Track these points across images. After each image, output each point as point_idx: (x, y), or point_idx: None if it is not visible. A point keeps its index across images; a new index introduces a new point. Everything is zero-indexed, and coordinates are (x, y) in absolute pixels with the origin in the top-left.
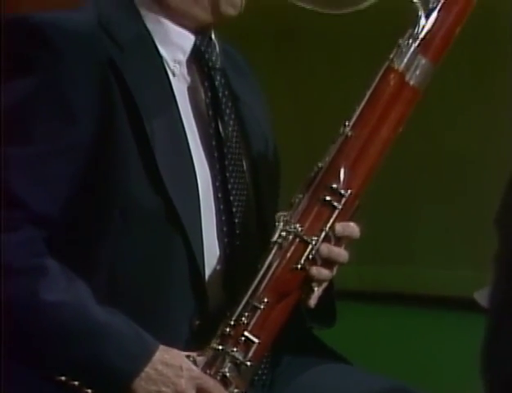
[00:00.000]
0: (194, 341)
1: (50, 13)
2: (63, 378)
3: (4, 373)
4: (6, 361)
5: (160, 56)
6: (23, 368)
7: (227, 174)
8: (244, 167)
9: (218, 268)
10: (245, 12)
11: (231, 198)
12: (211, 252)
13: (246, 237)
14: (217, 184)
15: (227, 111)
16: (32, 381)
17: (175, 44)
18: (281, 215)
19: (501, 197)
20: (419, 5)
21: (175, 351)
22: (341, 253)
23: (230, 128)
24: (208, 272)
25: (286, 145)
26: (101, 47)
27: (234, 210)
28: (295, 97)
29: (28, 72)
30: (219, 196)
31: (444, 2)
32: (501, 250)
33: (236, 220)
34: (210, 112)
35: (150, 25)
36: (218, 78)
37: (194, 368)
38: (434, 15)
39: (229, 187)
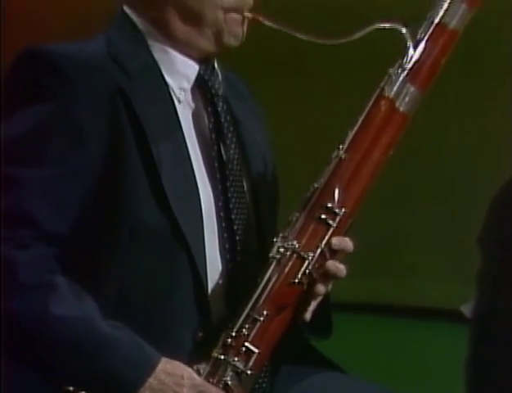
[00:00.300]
0: (197, 352)
1: (63, 45)
2: (71, 388)
3: (10, 380)
4: (13, 369)
5: (166, 84)
6: (28, 375)
7: (229, 195)
8: (245, 187)
9: (221, 282)
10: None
11: (233, 217)
12: (214, 267)
13: (247, 253)
14: (220, 204)
15: (229, 135)
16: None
17: (180, 73)
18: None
19: (484, 217)
20: (407, 36)
21: (176, 362)
22: (337, 267)
23: (231, 151)
24: (210, 286)
25: (287, 166)
26: (110, 76)
27: (235, 227)
28: (298, 121)
29: (42, 99)
30: (221, 215)
31: (431, 34)
32: (484, 267)
33: (237, 237)
34: (213, 136)
35: (156, 55)
36: (221, 104)
37: (195, 376)
38: (422, 46)
39: (230, 206)
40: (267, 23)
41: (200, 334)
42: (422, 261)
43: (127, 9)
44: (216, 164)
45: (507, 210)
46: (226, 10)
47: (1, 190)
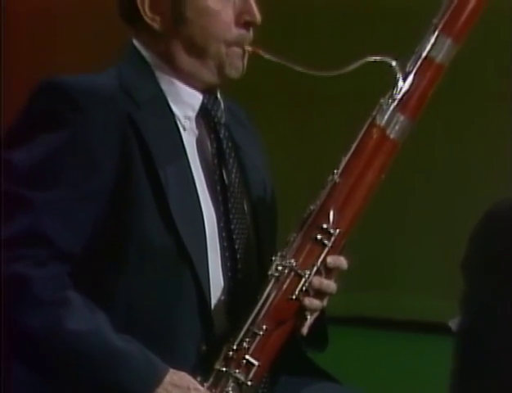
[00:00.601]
0: (201, 364)
1: (77, 77)
2: None
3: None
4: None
5: (172, 113)
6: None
7: (230, 216)
8: (246, 209)
9: (223, 298)
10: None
11: (234, 237)
12: (216, 284)
13: (247, 271)
14: (222, 225)
15: (230, 161)
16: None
17: (185, 103)
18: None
19: (467, 244)
20: (397, 69)
21: (182, 373)
22: (330, 285)
23: (233, 176)
24: (213, 302)
25: (286, 188)
26: (120, 106)
27: (236, 247)
28: (296, 148)
29: (58, 128)
30: (223, 235)
31: (419, 67)
32: (467, 291)
33: (238, 256)
34: (215, 161)
35: (163, 86)
36: (223, 131)
37: (200, 387)
38: (410, 78)
39: (232, 227)
40: (266, 56)
41: (204, 347)
42: (411, 277)
43: (136, 43)
44: (218, 188)
45: (489, 237)
46: (228, 44)
47: (18, 211)
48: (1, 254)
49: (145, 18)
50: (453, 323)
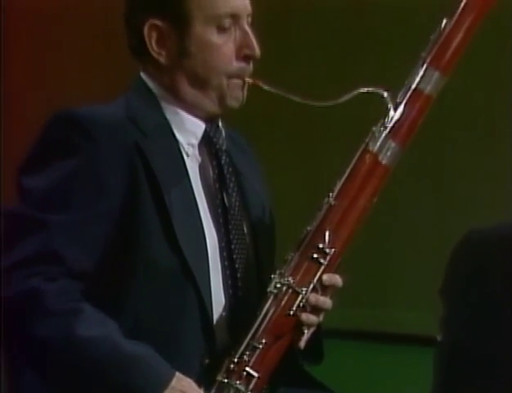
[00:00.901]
0: (204, 376)
1: (88, 108)
2: None
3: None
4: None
5: (177, 141)
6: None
7: (231, 237)
8: (245, 230)
9: (224, 314)
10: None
11: (234, 256)
12: (218, 301)
13: (247, 289)
14: (223, 245)
15: (231, 185)
16: None
17: (189, 131)
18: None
19: (445, 270)
20: (388, 99)
21: (188, 379)
22: (326, 301)
23: (233, 199)
24: (215, 317)
25: (284, 210)
26: (128, 135)
27: (236, 266)
28: (295, 172)
29: (70, 155)
30: (224, 254)
31: (409, 98)
32: (445, 315)
33: (238, 275)
34: (217, 186)
35: (168, 115)
36: (224, 158)
37: None
38: (401, 108)
39: (232, 247)
40: (265, 88)
41: (207, 360)
42: (402, 294)
43: (143, 75)
44: (219, 210)
45: (463, 264)
46: (229, 76)
47: (33, 232)
48: (13, 270)
49: (152, 52)
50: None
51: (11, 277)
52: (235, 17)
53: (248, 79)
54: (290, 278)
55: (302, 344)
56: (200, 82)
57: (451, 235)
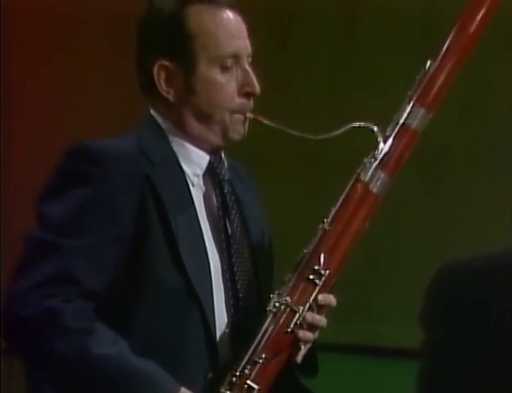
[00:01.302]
0: (208, 389)
1: (102, 141)
2: None
3: None
4: None
5: (183, 171)
6: None
7: (233, 260)
8: (246, 254)
9: (226, 331)
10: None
11: (236, 278)
12: (221, 319)
13: (248, 308)
14: (225, 268)
15: (233, 212)
16: None
17: (194, 162)
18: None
19: (424, 298)
20: (378, 133)
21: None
22: (321, 320)
23: (235, 225)
24: (218, 334)
25: (283, 235)
26: (139, 166)
27: (238, 287)
28: (293, 201)
29: (85, 185)
30: (227, 276)
31: (396, 133)
32: (425, 340)
33: (240, 295)
34: (220, 213)
35: (175, 148)
36: (226, 187)
37: None
38: (390, 141)
39: (234, 269)
40: (265, 122)
41: (210, 374)
42: (389, 311)
43: (153, 112)
44: (222, 236)
45: (441, 293)
46: (232, 111)
47: (51, 256)
48: (32, 291)
49: (161, 91)
50: None
51: (30, 298)
52: (236, 57)
53: (249, 114)
54: (288, 298)
55: (299, 359)
56: (205, 117)
57: (432, 260)
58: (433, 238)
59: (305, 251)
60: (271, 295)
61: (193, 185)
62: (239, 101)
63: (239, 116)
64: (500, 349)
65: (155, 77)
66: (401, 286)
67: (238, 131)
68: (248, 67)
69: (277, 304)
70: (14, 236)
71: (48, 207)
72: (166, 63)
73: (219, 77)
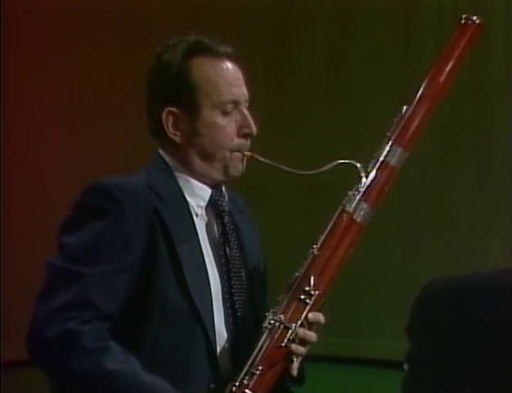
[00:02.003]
0: None
1: (116, 178)
2: None
3: None
4: None
5: (187, 204)
6: None
7: (232, 282)
8: (244, 277)
9: (226, 346)
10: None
11: (235, 299)
12: (221, 336)
13: (245, 325)
14: (225, 289)
15: (232, 240)
16: None
17: (198, 195)
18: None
19: (411, 310)
20: (361, 169)
21: None
22: (312, 335)
23: (234, 251)
24: (219, 350)
25: (276, 260)
26: (148, 200)
27: (237, 306)
28: (287, 229)
29: (101, 218)
30: (226, 297)
31: (377, 168)
32: (410, 352)
33: (238, 314)
34: (220, 240)
35: (181, 183)
36: (226, 217)
37: None
38: (371, 176)
39: (233, 291)
40: (261, 159)
41: (212, 385)
42: (375, 325)
43: (161, 152)
44: (222, 261)
45: (425, 308)
46: (231, 150)
47: (70, 283)
48: (54, 315)
49: (169, 134)
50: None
51: (52, 321)
52: (235, 103)
53: (247, 153)
54: (282, 316)
55: (294, 371)
56: (208, 156)
57: (412, 281)
58: (412, 261)
59: (297, 274)
60: (267, 314)
61: (196, 216)
62: (238, 141)
63: (238, 154)
64: (485, 362)
65: (164, 122)
66: (384, 304)
67: (237, 168)
68: (245, 111)
69: (272, 322)
70: (13, 237)
71: (68, 238)
72: (173, 109)
73: (220, 120)
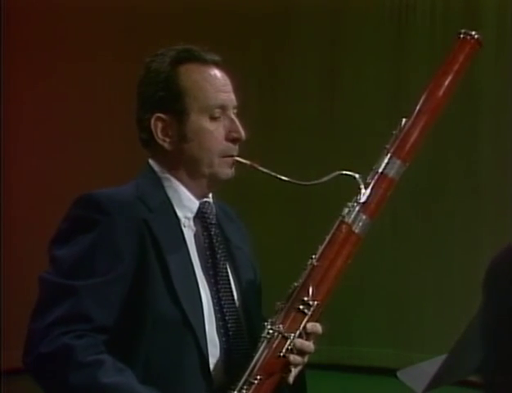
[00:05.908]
0: None
1: (106, 190)
2: None
3: None
4: None
5: (176, 215)
6: None
7: (220, 294)
8: (233, 288)
9: (219, 356)
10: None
11: (224, 310)
12: (213, 346)
13: (237, 335)
14: (215, 301)
15: (219, 252)
16: None
17: (186, 206)
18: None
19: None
20: (360, 180)
21: None
22: (310, 345)
23: (221, 263)
24: (211, 360)
25: (275, 270)
26: (138, 211)
27: (226, 318)
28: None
29: (91, 230)
30: (217, 308)
31: (376, 180)
32: (484, 304)
33: (229, 325)
34: (208, 253)
35: (170, 194)
36: (213, 230)
37: None
38: (370, 187)
39: (222, 302)
40: (260, 169)
41: None
42: (366, 334)
43: (151, 161)
44: (211, 272)
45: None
46: (219, 155)
47: (63, 297)
48: (49, 329)
49: (158, 140)
50: (400, 373)
51: (47, 336)
52: (223, 108)
53: (237, 158)
54: (280, 326)
55: (291, 380)
56: (196, 161)
57: (406, 290)
58: (403, 273)
59: (296, 284)
60: (265, 323)
61: (184, 226)
62: (226, 144)
63: (226, 159)
64: None
65: (152, 128)
66: (376, 314)
67: (226, 172)
68: (234, 117)
69: (271, 332)
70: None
71: (59, 251)
72: (162, 115)
73: (208, 125)
